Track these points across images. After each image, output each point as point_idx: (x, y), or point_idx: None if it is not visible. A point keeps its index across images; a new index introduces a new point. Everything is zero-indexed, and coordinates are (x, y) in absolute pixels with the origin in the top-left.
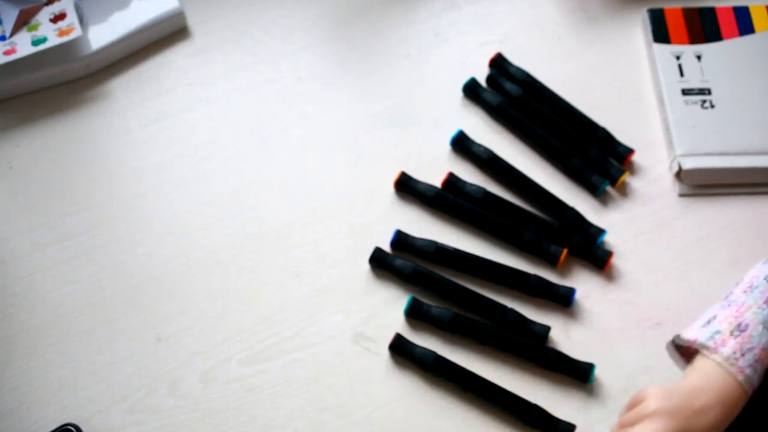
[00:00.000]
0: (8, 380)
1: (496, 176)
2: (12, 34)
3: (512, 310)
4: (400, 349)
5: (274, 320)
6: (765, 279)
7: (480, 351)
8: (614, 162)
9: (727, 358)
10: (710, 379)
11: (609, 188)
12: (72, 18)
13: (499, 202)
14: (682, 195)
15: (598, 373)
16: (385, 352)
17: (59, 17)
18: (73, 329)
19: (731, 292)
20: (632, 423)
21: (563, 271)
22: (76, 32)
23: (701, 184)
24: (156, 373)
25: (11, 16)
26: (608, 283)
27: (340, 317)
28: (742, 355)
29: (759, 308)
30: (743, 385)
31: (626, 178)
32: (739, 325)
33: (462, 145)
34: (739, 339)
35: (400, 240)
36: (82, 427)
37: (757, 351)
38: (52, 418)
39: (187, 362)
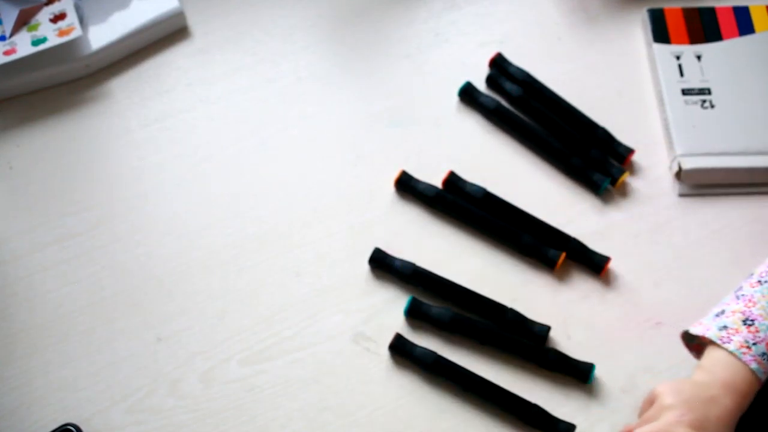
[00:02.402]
0: (8, 380)
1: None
2: (12, 34)
3: (512, 310)
4: (400, 349)
5: (274, 320)
6: None
7: (480, 351)
8: (614, 162)
9: (738, 348)
10: (720, 369)
11: (609, 188)
12: (72, 18)
13: (499, 202)
14: (682, 195)
15: (598, 373)
16: (385, 352)
17: (59, 17)
18: (73, 329)
19: (740, 287)
20: (651, 419)
21: (561, 275)
22: (76, 32)
23: (701, 184)
24: (156, 373)
25: (11, 16)
26: (608, 283)
27: (340, 317)
28: (754, 344)
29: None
30: (756, 373)
31: (626, 178)
32: (746, 319)
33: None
34: (749, 329)
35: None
36: (82, 427)
37: (764, 344)
38: (52, 418)
39: (187, 362)
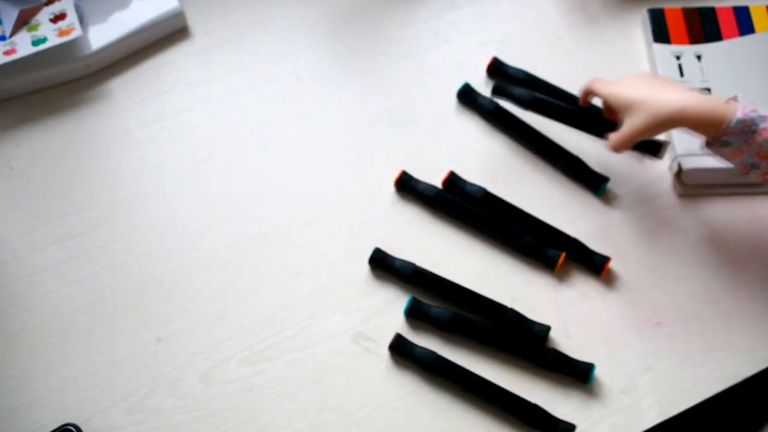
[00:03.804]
0: (8, 380)
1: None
2: (12, 34)
3: (512, 310)
4: (400, 349)
5: (274, 320)
6: None
7: (480, 351)
8: None
9: (743, 106)
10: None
11: (609, 188)
12: (72, 18)
13: (499, 202)
14: (682, 195)
15: (598, 373)
16: (385, 352)
17: (59, 17)
18: (73, 329)
19: None
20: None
21: (561, 275)
22: (76, 32)
23: (701, 184)
24: (156, 373)
25: (11, 16)
26: (608, 283)
27: (340, 317)
28: (758, 116)
29: None
30: (730, 122)
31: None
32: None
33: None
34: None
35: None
36: (82, 427)
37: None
38: (52, 418)
39: (187, 362)
